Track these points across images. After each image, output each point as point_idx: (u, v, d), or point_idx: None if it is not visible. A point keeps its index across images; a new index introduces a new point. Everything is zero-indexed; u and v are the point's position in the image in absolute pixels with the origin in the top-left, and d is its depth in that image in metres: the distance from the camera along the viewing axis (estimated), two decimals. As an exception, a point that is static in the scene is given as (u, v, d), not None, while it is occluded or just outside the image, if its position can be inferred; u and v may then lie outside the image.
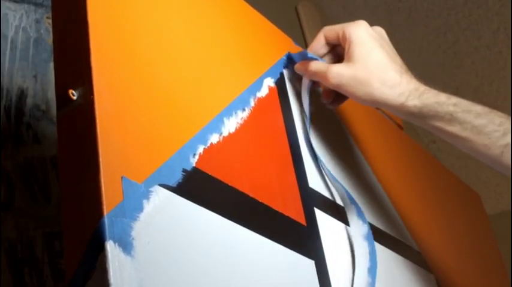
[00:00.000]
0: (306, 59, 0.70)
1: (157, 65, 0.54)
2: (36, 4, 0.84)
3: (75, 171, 0.44)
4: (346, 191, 0.69)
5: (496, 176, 2.46)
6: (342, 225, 0.70)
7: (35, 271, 0.69)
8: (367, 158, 0.86)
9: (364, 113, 0.93)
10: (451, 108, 0.61)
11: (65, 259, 0.43)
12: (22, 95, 0.77)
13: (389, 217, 0.84)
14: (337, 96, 0.71)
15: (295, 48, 0.81)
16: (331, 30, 0.68)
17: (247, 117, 0.63)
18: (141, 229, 0.44)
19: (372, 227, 0.78)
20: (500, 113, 0.62)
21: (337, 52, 0.70)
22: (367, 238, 0.67)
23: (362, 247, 0.66)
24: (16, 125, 0.75)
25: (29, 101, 0.78)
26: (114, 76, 0.48)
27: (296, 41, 0.83)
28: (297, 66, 0.71)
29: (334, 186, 0.70)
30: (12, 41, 0.79)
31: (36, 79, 0.80)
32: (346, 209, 0.70)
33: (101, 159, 0.43)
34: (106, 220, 0.41)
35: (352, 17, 2.01)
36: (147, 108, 0.50)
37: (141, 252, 0.43)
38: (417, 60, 2.07)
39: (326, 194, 0.70)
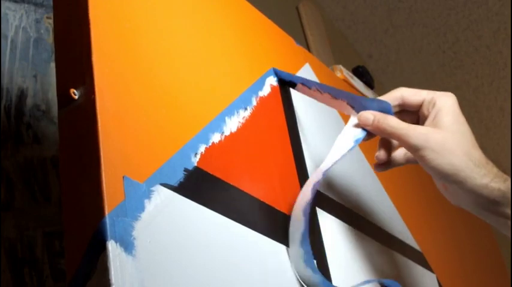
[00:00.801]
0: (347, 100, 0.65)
1: (158, 64, 0.54)
2: (36, 4, 0.84)
3: (76, 171, 0.44)
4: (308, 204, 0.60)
5: (496, 176, 2.46)
6: (342, 224, 0.70)
7: (35, 271, 0.69)
8: (369, 158, 0.86)
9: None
10: None
11: (65, 258, 0.43)
12: (22, 95, 0.77)
13: (390, 217, 0.84)
14: (390, 159, 0.68)
15: (296, 48, 0.81)
16: (415, 93, 0.64)
17: (249, 116, 0.63)
18: (143, 228, 0.44)
19: (374, 227, 0.78)
20: None
21: (403, 117, 0.65)
22: (308, 263, 0.58)
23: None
24: (16, 125, 0.75)
25: (29, 101, 0.77)
26: (115, 75, 0.48)
27: (297, 40, 0.83)
28: (365, 115, 0.63)
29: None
30: (12, 41, 0.79)
31: (36, 79, 0.80)
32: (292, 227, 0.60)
33: (102, 158, 0.43)
34: (107, 220, 0.41)
35: (352, 17, 2.02)
36: (148, 108, 0.50)
37: (142, 252, 0.43)
38: (417, 60, 2.07)
39: (327, 193, 0.70)
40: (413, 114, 0.65)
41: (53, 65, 0.81)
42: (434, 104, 0.62)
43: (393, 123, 0.61)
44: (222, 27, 0.67)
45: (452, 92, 0.63)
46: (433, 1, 1.92)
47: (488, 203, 0.58)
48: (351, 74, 0.98)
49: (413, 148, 0.59)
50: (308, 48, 0.97)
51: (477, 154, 0.59)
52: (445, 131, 0.59)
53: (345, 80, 0.95)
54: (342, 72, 0.94)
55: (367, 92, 1.01)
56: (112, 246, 0.41)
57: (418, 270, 0.84)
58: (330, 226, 0.67)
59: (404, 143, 0.60)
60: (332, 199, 0.71)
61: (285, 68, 0.76)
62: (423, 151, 0.58)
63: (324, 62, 0.93)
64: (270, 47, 0.74)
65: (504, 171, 0.60)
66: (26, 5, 0.83)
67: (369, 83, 1.02)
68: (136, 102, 0.49)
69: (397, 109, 0.65)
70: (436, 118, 0.60)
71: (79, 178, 0.44)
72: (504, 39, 2.02)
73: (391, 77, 2.12)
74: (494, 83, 2.17)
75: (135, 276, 0.41)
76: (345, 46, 1.94)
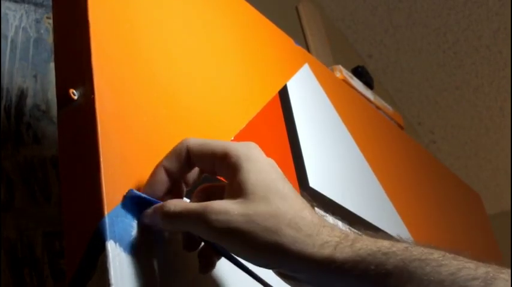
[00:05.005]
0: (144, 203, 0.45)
1: (158, 65, 0.54)
2: (36, 4, 0.84)
3: (75, 171, 0.44)
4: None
5: (496, 176, 2.46)
6: (342, 224, 0.70)
7: (35, 271, 0.69)
8: (368, 158, 0.86)
9: (364, 113, 0.93)
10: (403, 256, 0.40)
11: (65, 259, 0.43)
12: (22, 95, 0.77)
13: (389, 217, 0.84)
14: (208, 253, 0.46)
15: (296, 48, 0.81)
16: (200, 146, 0.44)
17: (251, 122, 0.63)
18: (143, 228, 0.44)
19: (373, 227, 0.78)
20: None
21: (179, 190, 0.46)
22: None
23: None
24: (16, 125, 0.75)
25: (29, 101, 0.77)
26: (115, 76, 0.48)
27: (297, 40, 0.83)
28: (146, 213, 0.44)
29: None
30: (12, 41, 0.79)
31: (36, 79, 0.80)
32: None
33: (101, 159, 0.43)
34: (107, 220, 0.41)
35: (352, 17, 2.02)
36: (148, 108, 0.50)
37: (142, 252, 0.43)
38: (417, 60, 2.07)
39: (325, 193, 0.70)
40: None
41: (52, 65, 0.81)
42: (230, 160, 0.43)
43: (178, 205, 0.42)
44: (221, 27, 0.67)
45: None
46: (433, 1, 1.92)
47: (345, 280, 0.40)
48: (350, 74, 0.98)
49: (217, 236, 0.41)
50: (307, 48, 0.97)
51: (306, 215, 0.42)
52: (253, 199, 0.41)
53: (345, 80, 0.95)
54: (342, 73, 0.95)
55: (367, 92, 1.01)
56: (111, 246, 0.41)
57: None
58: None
59: (205, 231, 0.41)
60: (330, 199, 0.71)
61: (284, 68, 0.76)
62: (232, 234, 0.40)
63: (324, 62, 0.93)
64: (269, 47, 0.74)
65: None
66: (26, 5, 0.83)
67: (368, 83, 1.02)
68: (136, 103, 0.49)
69: (168, 185, 0.45)
70: (237, 179, 0.42)
71: (78, 177, 0.44)
72: (504, 39, 2.02)
73: (391, 77, 2.12)
74: (494, 83, 2.17)
75: (134, 277, 0.41)
76: (345, 46, 1.94)
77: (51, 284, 0.70)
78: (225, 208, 0.41)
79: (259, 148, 0.45)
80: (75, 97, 0.46)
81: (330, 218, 0.69)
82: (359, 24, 1.97)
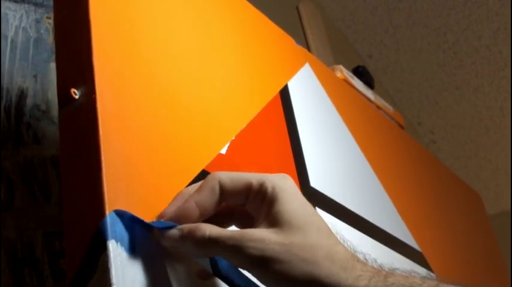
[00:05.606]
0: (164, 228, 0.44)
1: (159, 64, 0.54)
2: (36, 4, 0.84)
3: (76, 170, 0.44)
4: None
5: (496, 176, 2.46)
6: (343, 225, 0.70)
7: (35, 271, 0.69)
8: (368, 158, 0.86)
9: (365, 113, 0.93)
10: None
11: (66, 258, 0.43)
12: (22, 95, 0.77)
13: (390, 217, 0.84)
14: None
15: (296, 48, 0.81)
16: (234, 179, 0.45)
17: (252, 122, 0.63)
18: (144, 228, 0.44)
19: (374, 227, 0.78)
20: None
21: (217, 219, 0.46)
22: None
23: None
24: (16, 125, 0.75)
25: (29, 101, 0.77)
26: (116, 75, 0.48)
27: (297, 40, 0.83)
28: (171, 235, 0.43)
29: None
30: (12, 41, 0.79)
31: (36, 79, 0.80)
32: None
33: (102, 158, 0.43)
34: (108, 219, 0.41)
35: (352, 17, 2.02)
36: (149, 107, 0.50)
37: (143, 251, 0.43)
38: (417, 60, 2.07)
39: (327, 193, 0.70)
40: (243, 215, 0.46)
41: (52, 65, 0.81)
42: (265, 191, 0.44)
43: (214, 231, 0.42)
44: (222, 27, 0.66)
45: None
46: (433, 1, 1.92)
47: None
48: (351, 74, 0.99)
49: (249, 263, 0.41)
50: (308, 48, 0.97)
51: (341, 250, 0.42)
52: (289, 229, 0.42)
53: (345, 80, 0.95)
54: (342, 72, 0.95)
55: (368, 92, 1.01)
56: (113, 246, 0.41)
57: (418, 270, 0.84)
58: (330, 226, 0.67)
59: (239, 258, 0.41)
60: (331, 198, 0.71)
61: (285, 68, 0.76)
62: (268, 263, 0.40)
63: (324, 62, 0.93)
64: (270, 47, 0.74)
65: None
66: (26, 5, 0.83)
67: (369, 82, 1.02)
68: (137, 102, 0.49)
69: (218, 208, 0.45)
70: (274, 210, 0.43)
71: (79, 177, 0.44)
72: (504, 39, 2.02)
73: (391, 77, 2.12)
74: (494, 83, 2.17)
75: (135, 276, 0.41)
76: (345, 46, 1.94)
77: (51, 284, 0.70)
78: (261, 236, 0.41)
79: (292, 179, 0.46)
80: (76, 97, 0.46)
81: (329, 217, 0.69)
82: (359, 24, 1.97)
